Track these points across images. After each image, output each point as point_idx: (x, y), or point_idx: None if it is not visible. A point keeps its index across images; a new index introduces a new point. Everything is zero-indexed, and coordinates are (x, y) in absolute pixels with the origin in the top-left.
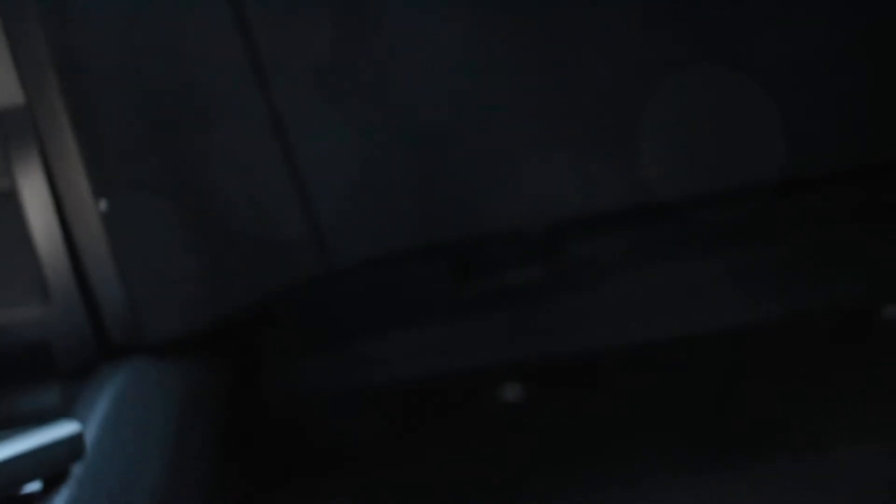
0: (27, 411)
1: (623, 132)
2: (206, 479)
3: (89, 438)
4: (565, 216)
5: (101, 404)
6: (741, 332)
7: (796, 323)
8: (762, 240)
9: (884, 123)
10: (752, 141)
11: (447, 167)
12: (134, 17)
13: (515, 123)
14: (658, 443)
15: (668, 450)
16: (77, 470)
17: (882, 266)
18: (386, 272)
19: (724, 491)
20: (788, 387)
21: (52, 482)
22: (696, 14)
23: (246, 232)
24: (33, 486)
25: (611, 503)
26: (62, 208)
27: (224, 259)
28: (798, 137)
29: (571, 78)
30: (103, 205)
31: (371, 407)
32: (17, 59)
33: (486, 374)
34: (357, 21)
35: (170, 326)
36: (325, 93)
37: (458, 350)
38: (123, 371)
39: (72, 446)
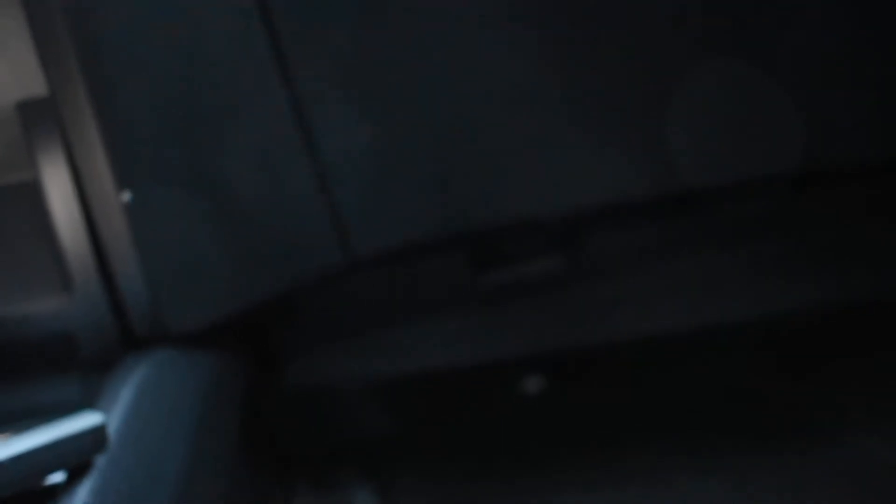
0: (50, 402)
1: (643, 123)
2: (229, 470)
3: (112, 430)
4: (586, 207)
5: (124, 396)
6: (758, 325)
7: (814, 316)
8: (783, 232)
9: None
10: (774, 133)
11: (467, 158)
12: (157, 9)
13: (535, 114)
14: (674, 435)
15: (684, 442)
16: (100, 461)
17: None
18: (406, 263)
19: (741, 483)
20: (806, 380)
21: (76, 473)
22: (720, 6)
23: (268, 223)
24: (57, 477)
25: (631, 495)
26: (85, 199)
27: (246, 250)
28: (821, 130)
29: (592, 69)
30: (126, 196)
31: (391, 398)
32: (41, 50)
33: (506, 366)
34: (379, 13)
35: (192, 318)
36: (346, 85)
37: (479, 342)
38: (146, 362)
39: (95, 438)
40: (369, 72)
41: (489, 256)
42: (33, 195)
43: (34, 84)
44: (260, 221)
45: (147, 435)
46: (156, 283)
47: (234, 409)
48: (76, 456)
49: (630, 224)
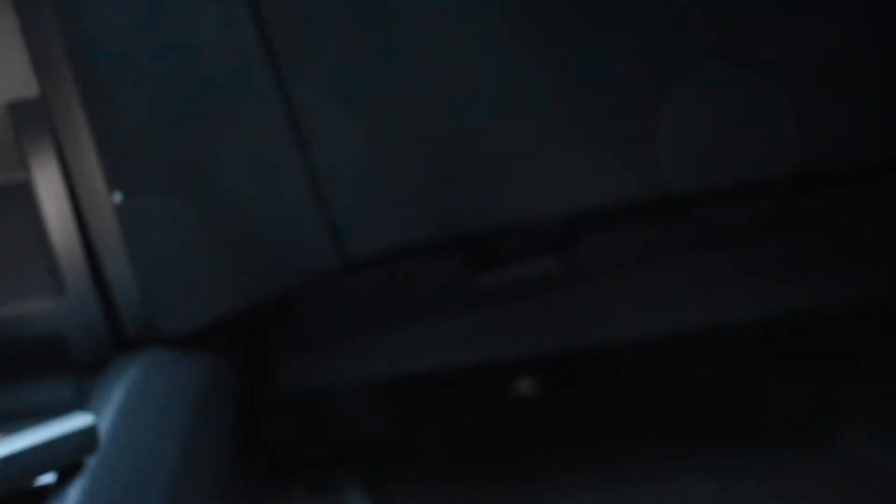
0: (41, 404)
1: (639, 126)
2: (220, 472)
3: (103, 431)
4: (581, 209)
5: (116, 397)
6: (757, 326)
7: (813, 317)
8: (779, 234)
9: None
10: (768, 136)
11: (463, 162)
12: (150, 11)
13: (531, 116)
14: (672, 437)
15: (682, 444)
16: (91, 462)
17: None
18: (401, 266)
19: (739, 485)
20: (805, 381)
21: (67, 474)
22: (713, 10)
23: (262, 226)
24: (47, 478)
25: (630, 496)
26: (77, 201)
27: (239, 252)
28: (815, 133)
29: (588, 72)
30: (118, 197)
31: (385, 400)
32: (32, 50)
33: (500, 368)
34: (373, 17)
35: (184, 319)
36: (340, 88)
37: (473, 344)
38: (137, 364)
39: (86, 439)
40: (365, 75)
41: (486, 258)
42: (24, 196)
43: (25, 85)
44: (254, 224)
45: (138, 436)
46: (147, 285)
47: (227, 411)
48: (67, 457)
49: (628, 226)
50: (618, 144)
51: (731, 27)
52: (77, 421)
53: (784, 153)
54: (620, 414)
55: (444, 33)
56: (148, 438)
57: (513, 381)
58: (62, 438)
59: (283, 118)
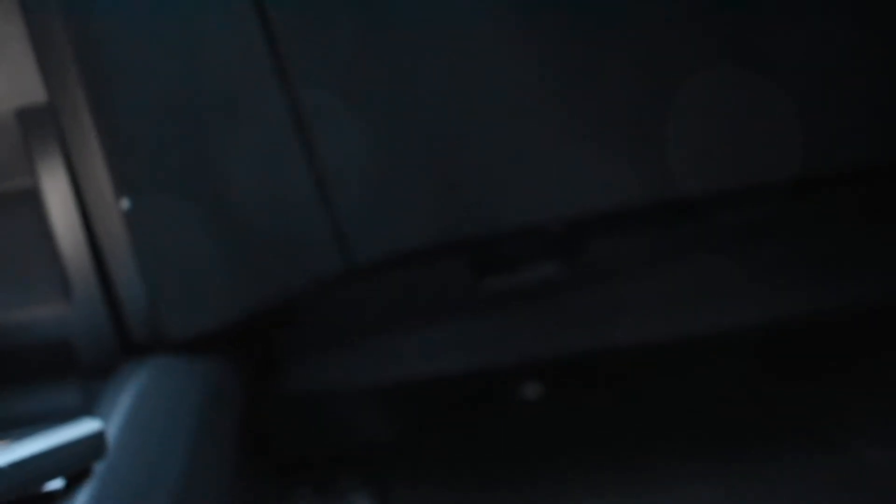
0: (49, 409)
1: (642, 130)
2: (227, 476)
3: (111, 436)
4: (585, 213)
5: (123, 402)
6: (761, 330)
7: (816, 321)
8: (783, 238)
9: None
10: (772, 139)
11: (467, 164)
12: (157, 16)
13: (535, 120)
14: (675, 440)
15: (685, 447)
16: (99, 468)
17: None
18: (405, 270)
19: (742, 487)
20: (808, 385)
21: (75, 480)
22: (717, 13)
23: (267, 230)
24: (56, 484)
25: (631, 499)
26: (84, 207)
27: (245, 257)
28: (818, 136)
29: (592, 75)
30: (125, 203)
31: (389, 404)
32: (40, 57)
33: (505, 373)
34: (379, 20)
35: (191, 324)
36: (346, 92)
37: (478, 348)
38: (145, 369)
39: (94, 444)
40: (369, 78)
41: (489, 262)
42: (33, 202)
43: (33, 91)
44: (260, 229)
45: (146, 442)
46: (154, 291)
47: (233, 416)
48: (75, 463)
49: (630, 230)
50: (621, 149)
51: (735, 32)
52: (85, 427)
53: (786, 156)
54: (624, 418)
55: (450, 36)
56: (155, 443)
57: (517, 384)
58: (70, 444)
59: (289, 122)
